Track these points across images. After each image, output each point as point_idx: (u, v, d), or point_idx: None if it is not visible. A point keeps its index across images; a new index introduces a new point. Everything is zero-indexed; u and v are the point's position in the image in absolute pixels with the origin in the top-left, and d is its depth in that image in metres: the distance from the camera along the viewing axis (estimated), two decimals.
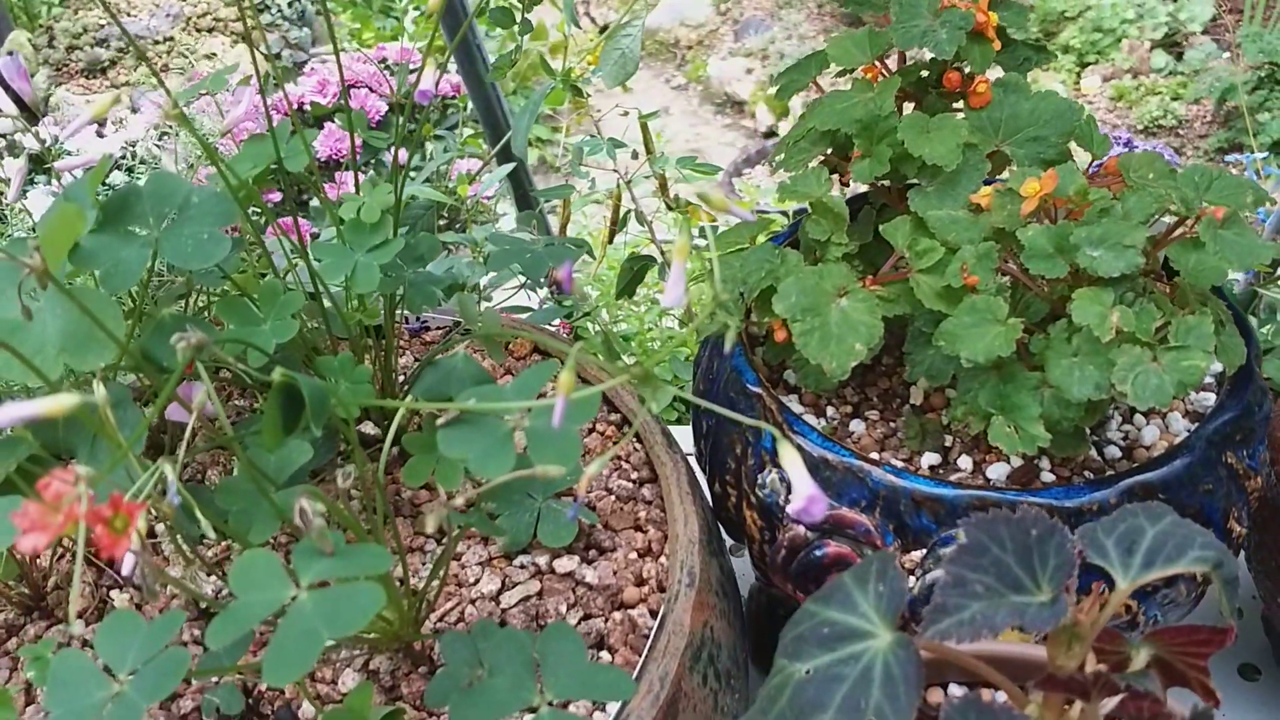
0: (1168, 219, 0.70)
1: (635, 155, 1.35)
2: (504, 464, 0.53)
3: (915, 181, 0.74)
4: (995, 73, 0.77)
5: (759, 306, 0.73)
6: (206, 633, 0.49)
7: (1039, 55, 0.78)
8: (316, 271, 0.68)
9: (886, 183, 0.77)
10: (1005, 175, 0.77)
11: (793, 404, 0.78)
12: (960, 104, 0.77)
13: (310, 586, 0.50)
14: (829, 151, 0.78)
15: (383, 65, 2.32)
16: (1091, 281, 0.64)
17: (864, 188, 0.82)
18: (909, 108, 0.79)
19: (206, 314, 0.78)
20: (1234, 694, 0.89)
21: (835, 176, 0.79)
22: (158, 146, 1.82)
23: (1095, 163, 0.75)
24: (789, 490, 0.71)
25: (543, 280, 1.38)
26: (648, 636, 0.66)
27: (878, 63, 0.77)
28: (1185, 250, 0.66)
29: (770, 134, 4.00)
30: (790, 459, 0.47)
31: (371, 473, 0.61)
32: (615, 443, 0.80)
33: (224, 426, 0.59)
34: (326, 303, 0.72)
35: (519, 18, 1.01)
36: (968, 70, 0.74)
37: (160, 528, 0.75)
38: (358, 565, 0.51)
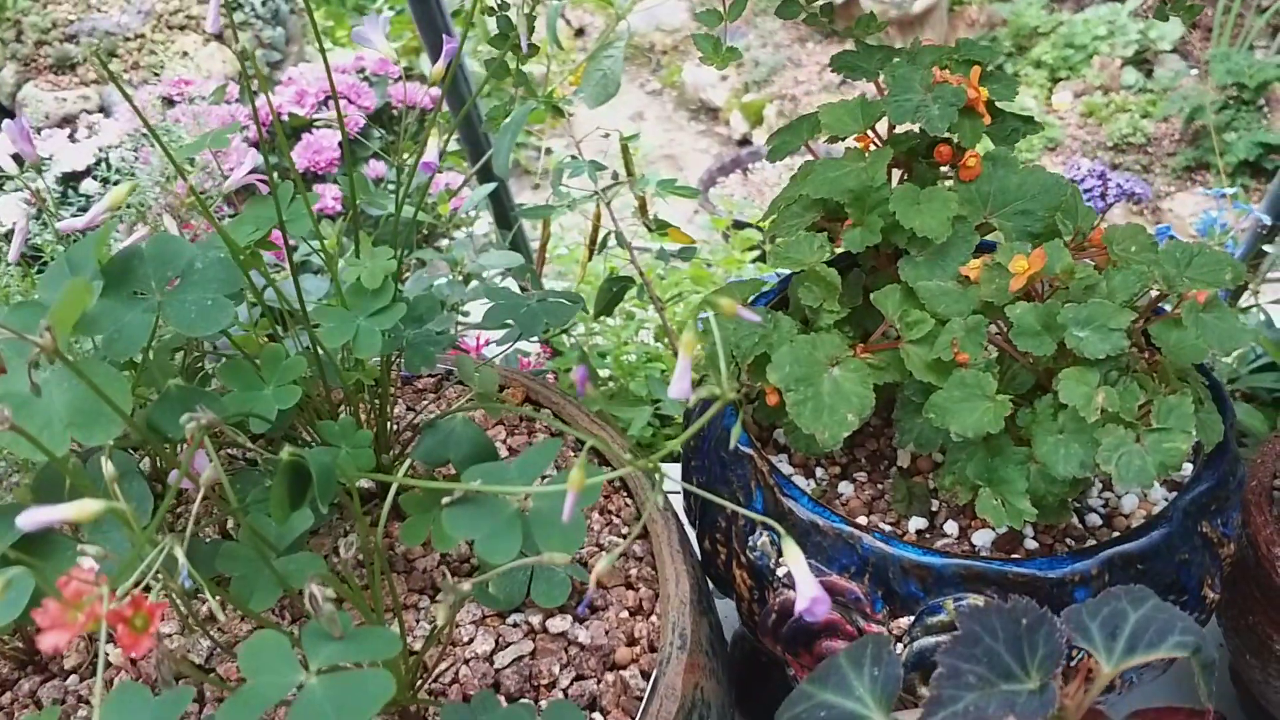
0: (1152, 291, 0.72)
1: (615, 176, 1.35)
2: (511, 548, 0.54)
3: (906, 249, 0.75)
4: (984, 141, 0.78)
5: (752, 371, 0.74)
6: (217, 718, 0.50)
7: (1027, 126, 0.80)
8: (316, 336, 0.69)
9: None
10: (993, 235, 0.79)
11: (783, 464, 0.79)
12: (950, 173, 0.78)
13: (320, 671, 0.51)
14: (821, 215, 0.80)
15: (360, 75, 2.32)
16: (1076, 360, 0.66)
17: None
18: (899, 174, 0.80)
19: (200, 363, 0.78)
20: None
21: (825, 234, 0.80)
22: (133, 154, 1.81)
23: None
24: (780, 554, 0.72)
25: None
26: (640, 698, 0.68)
27: (869, 131, 0.78)
28: (1167, 329, 0.68)
29: (744, 141, 4.02)
30: (794, 558, 0.48)
31: (371, 535, 0.62)
32: (607, 497, 0.81)
33: (228, 495, 0.60)
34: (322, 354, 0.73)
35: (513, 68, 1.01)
36: (958, 144, 0.76)
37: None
38: (368, 650, 0.51)
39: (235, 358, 0.69)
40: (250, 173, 0.76)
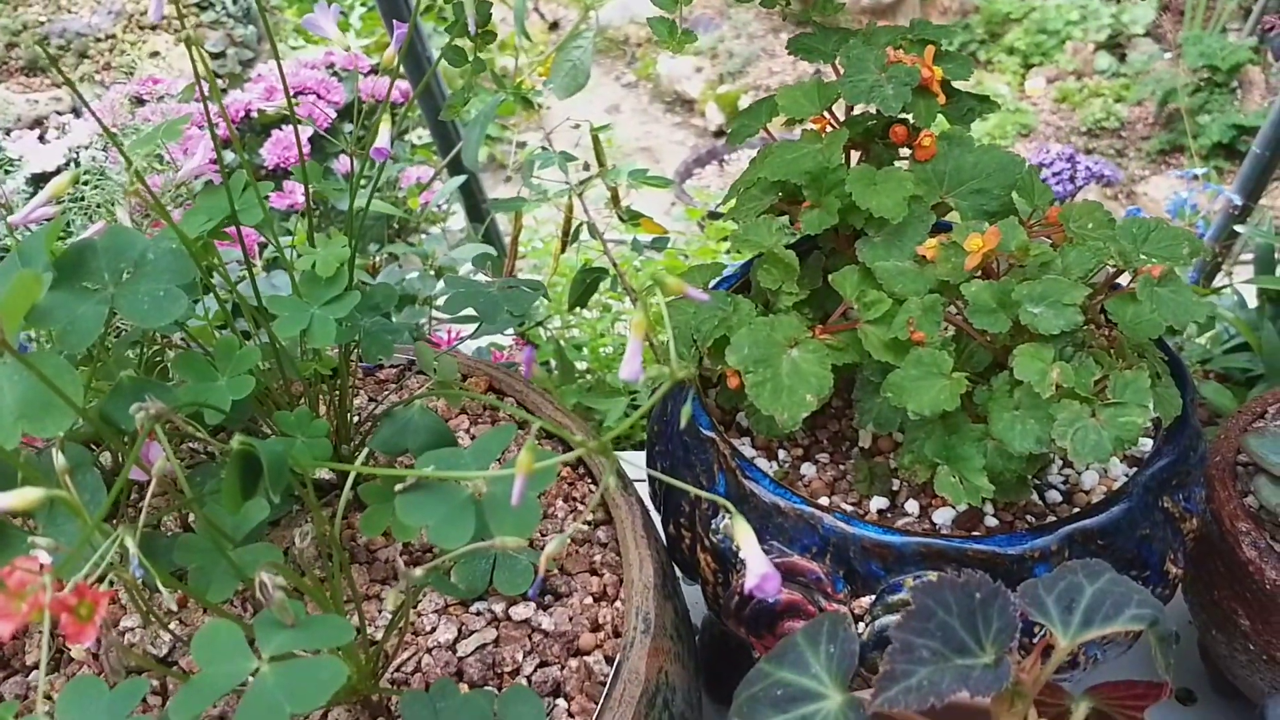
0: (1109, 266, 0.72)
1: (586, 167, 1.35)
2: (464, 533, 0.54)
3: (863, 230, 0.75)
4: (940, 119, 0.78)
5: (712, 354, 0.74)
6: (170, 707, 0.49)
7: (982, 105, 0.80)
8: (273, 331, 0.68)
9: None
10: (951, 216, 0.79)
11: (745, 448, 0.79)
12: (907, 153, 0.78)
13: (272, 658, 0.51)
14: (779, 197, 0.80)
15: (330, 71, 2.30)
16: (1033, 337, 0.67)
17: None
18: (856, 155, 0.80)
19: (160, 357, 0.78)
20: (1171, 718, 0.92)
21: (784, 216, 0.80)
22: (103, 154, 1.79)
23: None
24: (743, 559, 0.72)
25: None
26: (604, 683, 0.68)
27: (826, 113, 0.78)
28: (1123, 304, 0.68)
29: (720, 133, 4.02)
30: (745, 536, 0.48)
31: (329, 526, 0.62)
32: (571, 484, 0.81)
33: (183, 486, 0.60)
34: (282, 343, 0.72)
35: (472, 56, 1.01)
36: (913, 124, 0.76)
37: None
38: (319, 637, 0.51)
39: (190, 349, 0.68)
40: (209, 165, 0.76)
